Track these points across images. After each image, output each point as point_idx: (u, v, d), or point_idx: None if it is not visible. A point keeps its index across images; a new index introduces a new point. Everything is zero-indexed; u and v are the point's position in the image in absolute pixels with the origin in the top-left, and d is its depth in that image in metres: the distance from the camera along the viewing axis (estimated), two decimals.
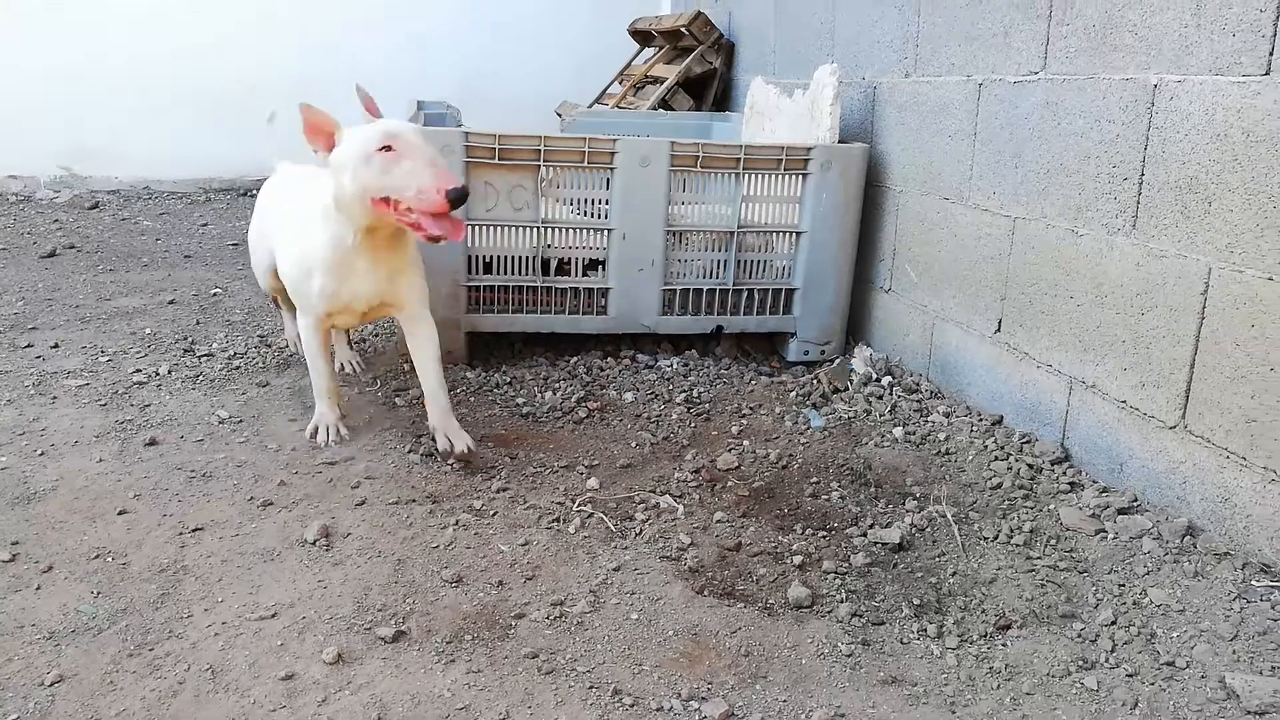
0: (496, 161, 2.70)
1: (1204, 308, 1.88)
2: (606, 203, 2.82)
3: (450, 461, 2.22)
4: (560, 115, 5.07)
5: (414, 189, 1.88)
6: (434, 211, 1.89)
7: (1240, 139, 1.78)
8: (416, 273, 2.25)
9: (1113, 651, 1.58)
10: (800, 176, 2.89)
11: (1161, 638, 1.61)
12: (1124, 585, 1.77)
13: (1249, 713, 1.42)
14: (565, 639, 1.58)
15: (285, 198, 2.37)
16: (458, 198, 1.86)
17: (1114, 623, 1.65)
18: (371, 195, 1.94)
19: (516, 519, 1.98)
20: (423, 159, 1.90)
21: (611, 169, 2.77)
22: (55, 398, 2.55)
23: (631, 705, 1.42)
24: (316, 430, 2.32)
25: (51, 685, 1.42)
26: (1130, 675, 1.52)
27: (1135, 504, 2.04)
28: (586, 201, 2.85)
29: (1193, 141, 1.89)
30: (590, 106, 5.22)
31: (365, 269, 2.14)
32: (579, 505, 2.04)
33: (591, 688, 1.45)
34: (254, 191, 6.05)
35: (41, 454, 2.20)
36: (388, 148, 1.90)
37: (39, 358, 2.86)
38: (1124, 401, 2.10)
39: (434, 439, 2.27)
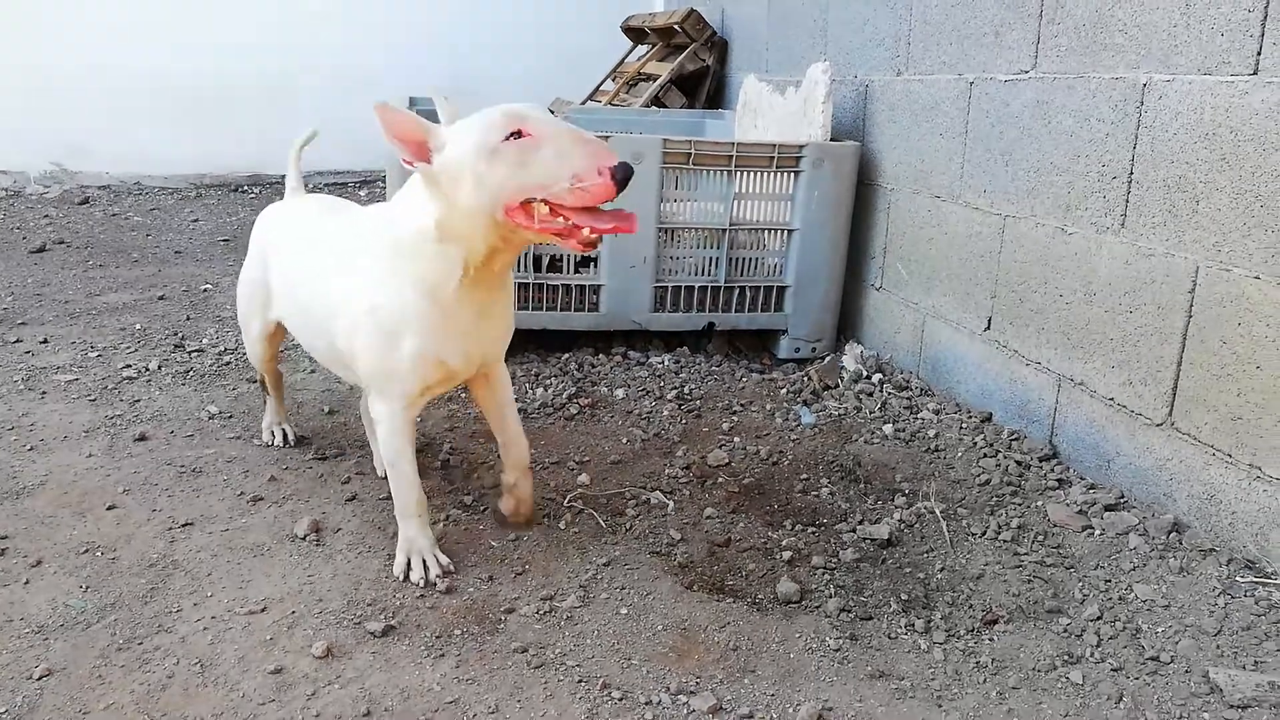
0: None
1: (1191, 306, 1.90)
2: None
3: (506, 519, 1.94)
4: (553, 112, 5.07)
5: (567, 177, 1.42)
6: (599, 200, 1.44)
7: (1229, 138, 1.79)
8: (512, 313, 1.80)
9: (1098, 646, 1.59)
10: (792, 174, 2.89)
11: (1146, 633, 1.62)
12: (1110, 581, 1.78)
13: (1232, 707, 1.43)
14: (555, 633, 1.58)
15: (321, 238, 1.84)
16: (625, 177, 1.42)
17: (1099, 618, 1.66)
18: (506, 202, 1.46)
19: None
20: (567, 137, 1.45)
21: None
22: (44, 393, 2.54)
23: (620, 699, 1.42)
24: (409, 564, 1.73)
25: (40, 679, 1.42)
26: (1115, 670, 1.53)
27: (1122, 500, 2.05)
28: None
29: (1181, 141, 1.90)
30: (583, 103, 5.22)
31: (472, 318, 1.64)
32: (569, 501, 2.04)
33: (580, 681, 1.46)
34: (245, 188, 6.04)
35: (31, 449, 2.19)
36: (517, 133, 1.44)
37: (28, 353, 2.85)
38: (1112, 399, 2.11)
39: (498, 498, 1.94)
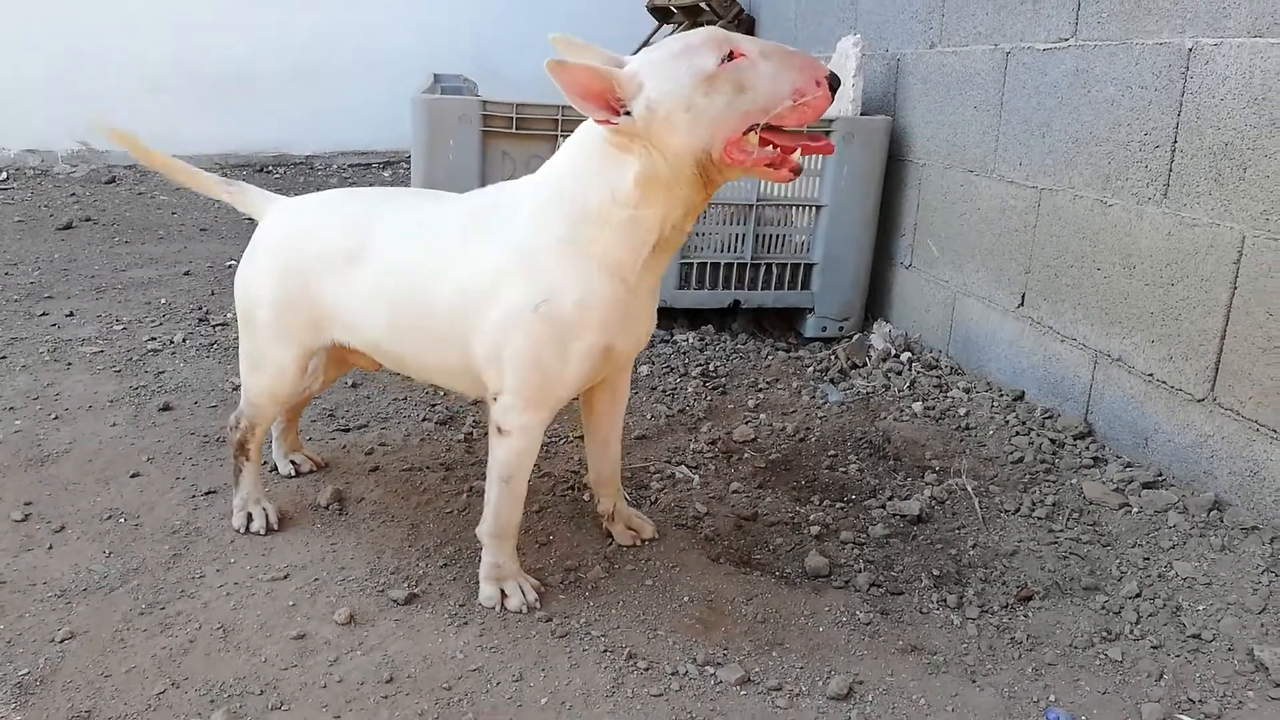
0: (514, 131, 2.67)
1: (1236, 277, 1.84)
2: None
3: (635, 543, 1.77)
4: None
5: (789, 94, 1.29)
6: (819, 114, 1.32)
7: (1279, 102, 1.73)
8: None
9: (1137, 624, 1.55)
10: None
11: (1187, 610, 1.57)
12: (1149, 559, 1.73)
13: (1279, 685, 1.39)
14: (580, 604, 1.56)
15: (439, 228, 1.53)
16: (837, 84, 1.31)
17: (1138, 595, 1.62)
18: (730, 130, 1.31)
19: (531, 486, 1.94)
20: (777, 52, 1.32)
21: None
22: (70, 364, 2.54)
23: (646, 669, 1.40)
24: (504, 594, 1.55)
25: (62, 641, 1.41)
26: (1155, 647, 1.49)
27: (1160, 478, 2.00)
28: None
29: (1229, 106, 1.83)
30: None
31: (647, 295, 1.48)
32: None
33: (606, 651, 1.43)
34: (269, 168, 6.04)
35: (55, 418, 2.19)
36: (729, 55, 1.29)
37: (54, 325, 2.86)
38: (1151, 375, 2.05)
39: (608, 530, 1.78)
